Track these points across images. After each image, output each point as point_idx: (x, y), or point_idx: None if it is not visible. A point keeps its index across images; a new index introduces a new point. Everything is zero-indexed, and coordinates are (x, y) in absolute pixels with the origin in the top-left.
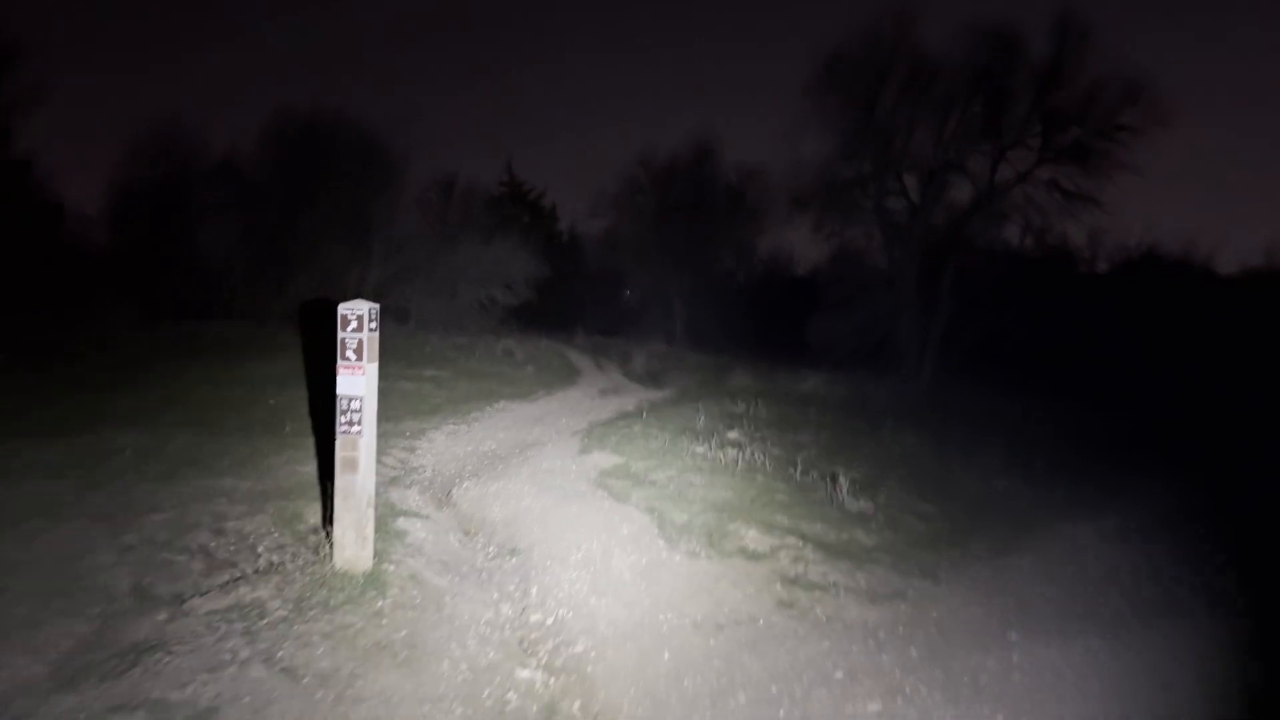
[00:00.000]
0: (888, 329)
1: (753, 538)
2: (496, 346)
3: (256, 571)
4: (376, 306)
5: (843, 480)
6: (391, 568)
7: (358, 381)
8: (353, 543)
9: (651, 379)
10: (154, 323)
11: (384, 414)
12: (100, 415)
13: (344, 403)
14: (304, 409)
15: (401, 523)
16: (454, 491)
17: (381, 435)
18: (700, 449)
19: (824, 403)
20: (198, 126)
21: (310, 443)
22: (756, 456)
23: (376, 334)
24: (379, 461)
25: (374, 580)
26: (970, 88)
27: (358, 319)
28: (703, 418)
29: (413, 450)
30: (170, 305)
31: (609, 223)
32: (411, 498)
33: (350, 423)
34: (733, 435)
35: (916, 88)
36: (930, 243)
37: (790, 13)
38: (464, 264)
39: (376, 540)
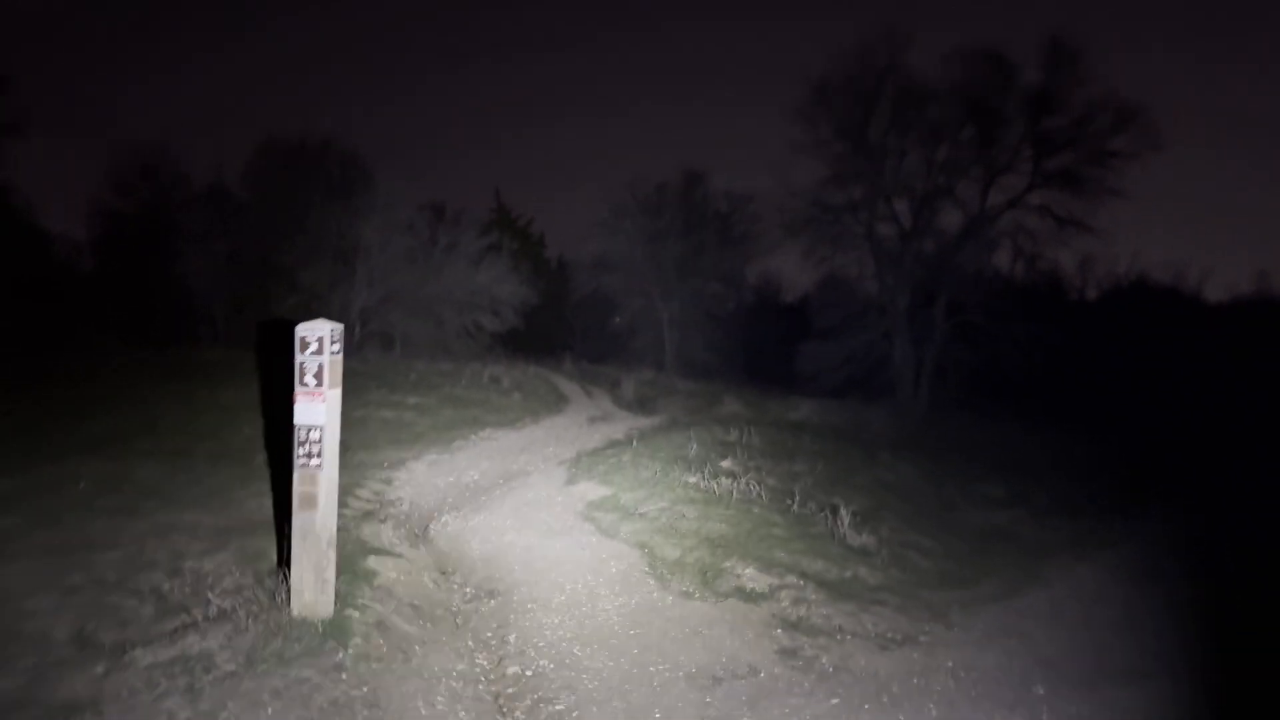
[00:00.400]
0: (880, 356)
1: (750, 576)
2: (483, 373)
3: (208, 618)
4: (339, 327)
5: (844, 513)
6: (356, 614)
7: (317, 409)
8: (311, 587)
9: (641, 406)
10: (137, 348)
11: (362, 443)
12: (71, 442)
13: (302, 433)
14: (278, 437)
15: (371, 562)
16: (432, 526)
17: (357, 466)
18: (693, 479)
19: (818, 431)
20: (181, 152)
21: (283, 474)
22: (751, 487)
23: (340, 357)
24: (352, 495)
25: (335, 628)
26: (961, 113)
27: (318, 341)
28: (695, 446)
29: (390, 482)
30: (155, 330)
31: (598, 249)
32: (385, 534)
33: (309, 455)
34: (726, 464)
35: (908, 113)
36: (922, 269)
37: (782, 38)
38: (450, 289)
39: (341, 582)
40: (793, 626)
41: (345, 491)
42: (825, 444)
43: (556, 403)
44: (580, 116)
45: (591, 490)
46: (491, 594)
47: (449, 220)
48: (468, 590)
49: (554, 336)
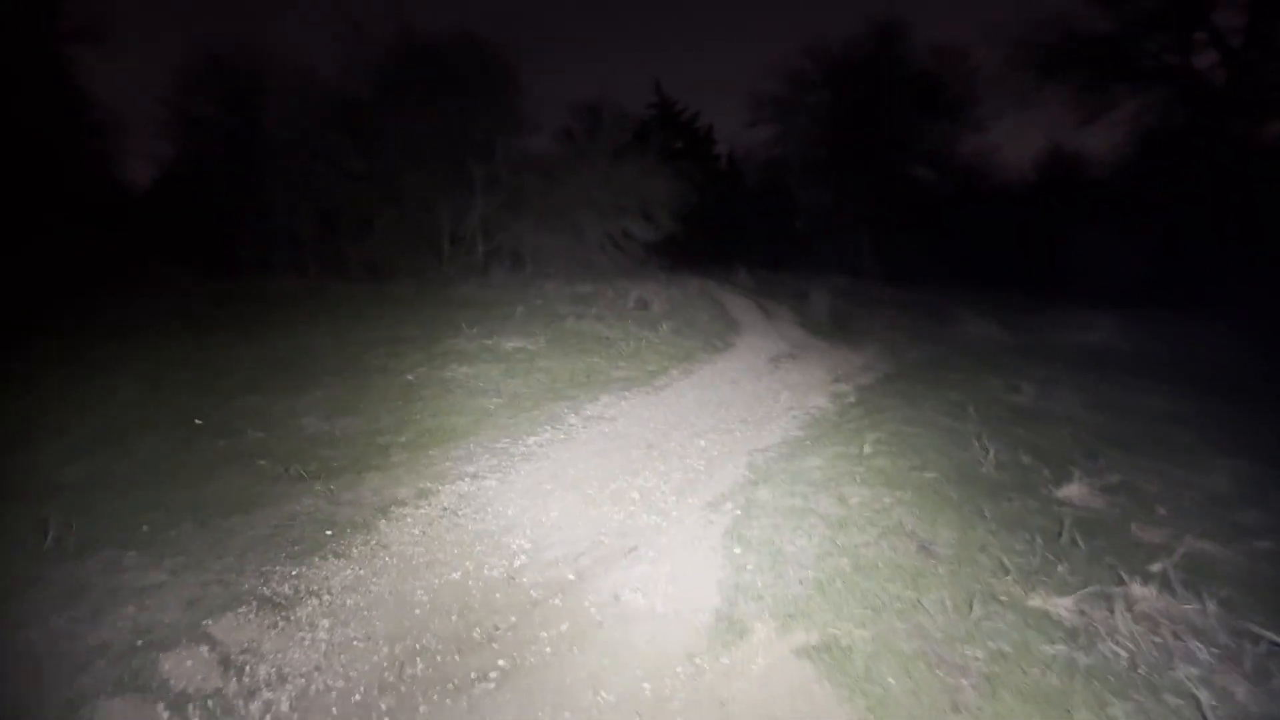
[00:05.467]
0: (1200, 248)
1: None
2: (629, 295)
3: None
4: None
5: None
6: None
7: None
8: None
9: (840, 331)
10: (205, 280)
11: (362, 444)
12: None
13: None
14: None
15: None
16: None
17: (280, 527)
18: (1036, 601)
19: (1149, 370)
20: (272, 48)
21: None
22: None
23: None
24: (137, 683)
25: None
26: None
27: None
28: (984, 440)
29: (295, 600)
30: (233, 257)
31: (773, 134)
32: None
33: None
34: (1073, 493)
35: None
36: (1262, 116)
37: None
38: (589, 189)
39: None
40: None
41: (125, 665)
42: (1196, 403)
43: (723, 333)
44: None
45: (781, 639)
46: None
47: (607, 121)
48: None
49: (724, 243)
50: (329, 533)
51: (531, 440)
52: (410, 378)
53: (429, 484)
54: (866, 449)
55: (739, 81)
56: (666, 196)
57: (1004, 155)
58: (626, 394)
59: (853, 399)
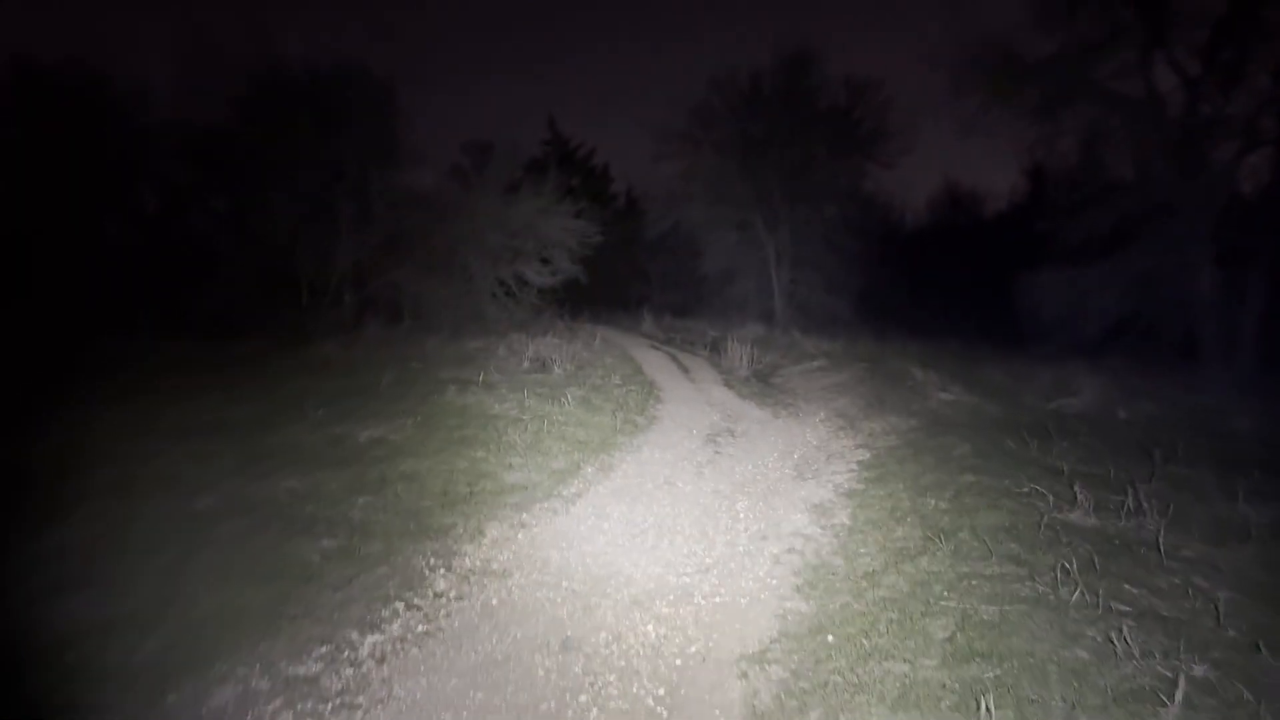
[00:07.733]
0: (1173, 291)
1: None
2: (524, 353)
3: None
4: None
5: None
6: None
7: None
8: None
9: (774, 392)
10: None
11: (55, 679)
12: None
13: None
14: None
15: None
16: None
17: None
18: None
19: (1199, 456)
20: (107, 69)
21: None
22: None
23: None
24: None
25: None
26: None
27: None
28: (1090, 600)
29: None
30: (51, 313)
31: (677, 170)
32: None
33: None
34: None
35: None
36: (1228, 140)
37: None
38: (480, 230)
39: None
40: None
41: None
42: None
43: (642, 402)
44: (648, 20)
45: None
46: None
47: (497, 159)
48: None
49: (626, 288)
50: None
51: (365, 645)
52: (206, 502)
53: None
54: (981, 708)
55: (636, 119)
56: (564, 235)
57: (907, 194)
58: (524, 517)
59: (845, 519)
